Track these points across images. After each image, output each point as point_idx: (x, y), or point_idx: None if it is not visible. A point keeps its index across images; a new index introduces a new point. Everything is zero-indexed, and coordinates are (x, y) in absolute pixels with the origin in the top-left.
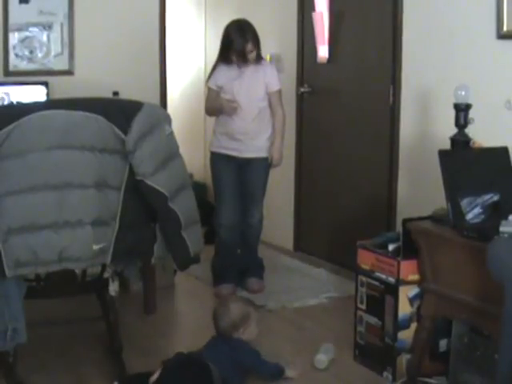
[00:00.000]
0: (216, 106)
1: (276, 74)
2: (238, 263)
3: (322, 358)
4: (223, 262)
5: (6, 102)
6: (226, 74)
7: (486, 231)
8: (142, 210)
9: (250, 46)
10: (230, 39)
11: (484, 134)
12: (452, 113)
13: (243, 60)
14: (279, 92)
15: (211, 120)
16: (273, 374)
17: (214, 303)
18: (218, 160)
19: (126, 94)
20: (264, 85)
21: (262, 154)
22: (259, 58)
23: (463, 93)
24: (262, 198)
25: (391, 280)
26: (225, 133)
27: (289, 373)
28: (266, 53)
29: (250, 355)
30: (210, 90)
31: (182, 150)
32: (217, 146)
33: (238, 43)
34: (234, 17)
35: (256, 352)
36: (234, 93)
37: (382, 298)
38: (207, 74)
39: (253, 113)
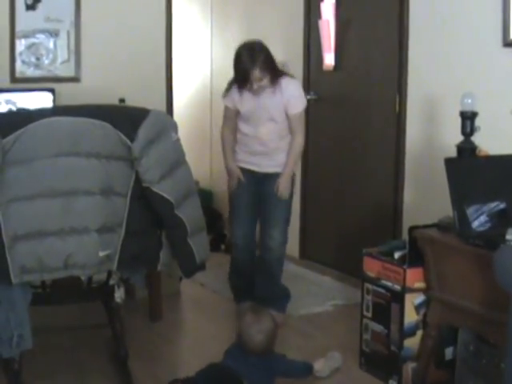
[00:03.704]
0: (226, 161)
1: (297, 94)
2: (253, 288)
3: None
4: (239, 280)
5: (13, 109)
6: (242, 96)
7: (493, 239)
8: (148, 217)
9: (257, 74)
10: (237, 65)
11: (490, 141)
12: (458, 121)
13: (251, 88)
14: (299, 114)
15: (217, 127)
16: (304, 373)
17: (233, 320)
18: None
19: (132, 101)
20: (283, 106)
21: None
22: (275, 80)
23: (469, 101)
24: (283, 217)
25: (397, 288)
26: (244, 151)
27: (317, 366)
28: None
29: (281, 362)
30: (226, 108)
31: (187, 157)
32: (236, 160)
33: (245, 71)
34: (240, 24)
35: (283, 356)
36: (250, 118)
37: (387, 305)
38: (213, 81)
39: (272, 138)
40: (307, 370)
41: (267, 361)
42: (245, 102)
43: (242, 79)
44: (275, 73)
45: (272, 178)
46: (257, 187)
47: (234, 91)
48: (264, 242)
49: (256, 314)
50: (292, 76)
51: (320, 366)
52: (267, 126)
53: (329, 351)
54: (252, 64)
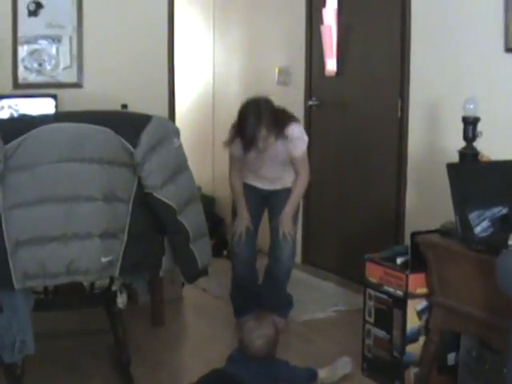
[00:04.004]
0: (238, 208)
1: (299, 135)
2: (258, 299)
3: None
4: (241, 295)
5: (15, 115)
6: (247, 155)
7: (495, 244)
8: (151, 223)
9: (264, 134)
10: (243, 126)
11: (492, 147)
12: (460, 126)
13: (256, 147)
14: (302, 156)
15: (220, 133)
16: (308, 380)
17: (234, 332)
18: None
19: (134, 107)
20: (287, 151)
21: (290, 186)
22: (280, 134)
23: (472, 106)
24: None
25: (399, 293)
26: (250, 176)
27: (322, 374)
28: (274, 66)
29: (284, 369)
30: (232, 156)
31: (190, 163)
32: (244, 178)
33: (252, 136)
34: (243, 30)
35: (286, 362)
36: (254, 164)
37: (390, 311)
38: (215, 87)
39: (277, 173)
40: (311, 377)
41: (269, 367)
42: (248, 159)
43: (248, 142)
44: (281, 128)
45: (279, 192)
46: (262, 202)
47: (238, 144)
48: (274, 254)
49: (257, 320)
50: (292, 117)
51: (325, 374)
52: (270, 166)
53: (331, 357)
54: (259, 127)
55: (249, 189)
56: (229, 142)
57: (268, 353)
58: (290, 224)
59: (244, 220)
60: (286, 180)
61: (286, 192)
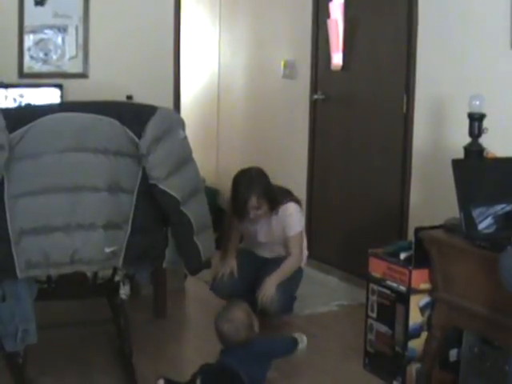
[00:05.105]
0: (226, 252)
1: (294, 217)
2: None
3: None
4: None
5: (21, 104)
6: (242, 223)
7: (499, 241)
8: (155, 214)
9: (253, 202)
10: (234, 193)
11: (498, 144)
12: (466, 122)
13: (247, 218)
14: (297, 236)
15: (224, 125)
16: (289, 347)
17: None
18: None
19: (139, 98)
20: (279, 229)
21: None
22: (273, 210)
23: (478, 102)
24: (283, 289)
25: (402, 289)
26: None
27: (300, 339)
28: (280, 59)
29: (262, 345)
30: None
31: (194, 155)
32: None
33: (240, 199)
34: (249, 22)
35: (265, 338)
36: (252, 236)
37: (392, 306)
38: (221, 79)
39: (274, 248)
40: (291, 343)
41: (250, 348)
42: (244, 227)
43: (239, 208)
44: (274, 203)
45: (275, 259)
46: (258, 264)
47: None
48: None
49: (226, 305)
50: (293, 196)
51: (303, 343)
52: (268, 241)
53: (333, 351)
54: (248, 193)
55: (243, 251)
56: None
57: (241, 336)
58: (273, 290)
59: (229, 264)
60: (281, 250)
61: (279, 260)
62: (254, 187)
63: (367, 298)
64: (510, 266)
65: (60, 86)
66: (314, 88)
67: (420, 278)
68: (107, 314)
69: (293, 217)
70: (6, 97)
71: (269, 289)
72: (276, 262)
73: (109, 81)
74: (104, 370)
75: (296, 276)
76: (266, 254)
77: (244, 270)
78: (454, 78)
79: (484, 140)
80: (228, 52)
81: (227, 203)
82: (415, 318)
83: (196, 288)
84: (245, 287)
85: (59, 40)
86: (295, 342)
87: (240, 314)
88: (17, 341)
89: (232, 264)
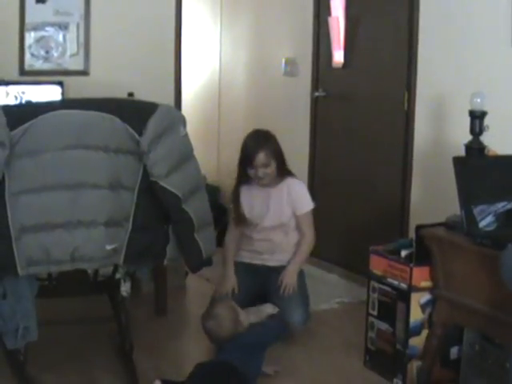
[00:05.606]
0: (225, 268)
1: (304, 193)
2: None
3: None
4: None
5: (22, 101)
6: (249, 198)
7: (500, 239)
8: (156, 212)
9: (262, 158)
10: (243, 150)
11: (499, 141)
12: (467, 120)
13: (256, 176)
14: (309, 214)
15: (225, 122)
16: (279, 330)
17: None
18: (236, 270)
19: (140, 95)
20: (289, 207)
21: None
22: (281, 173)
23: (479, 100)
24: (302, 299)
25: (403, 286)
26: (249, 250)
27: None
28: (281, 57)
29: (251, 335)
30: (233, 220)
31: (195, 152)
32: (239, 256)
33: (249, 153)
34: (250, 19)
35: (252, 329)
36: (257, 219)
37: (393, 304)
38: (222, 76)
39: (279, 237)
40: (280, 326)
41: (239, 341)
42: (253, 202)
43: (247, 163)
44: (282, 164)
45: (278, 269)
46: (261, 283)
47: (242, 196)
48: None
49: (210, 305)
50: (296, 177)
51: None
52: (274, 224)
53: (334, 348)
54: (257, 147)
55: (241, 270)
56: (233, 200)
57: (227, 331)
58: (295, 279)
59: (230, 281)
60: (284, 255)
61: (283, 269)
62: (263, 143)
63: (368, 296)
64: (511, 264)
65: (61, 84)
66: (315, 85)
67: (421, 276)
68: (108, 311)
69: (304, 191)
70: (7, 94)
71: (290, 280)
72: (278, 271)
73: (110, 78)
74: (105, 367)
75: (303, 280)
76: (264, 257)
77: (245, 284)
78: (455, 76)
79: (485, 138)
80: (229, 49)
81: (230, 207)
82: (416, 315)
83: (197, 285)
84: (248, 301)
85: (60, 37)
86: (286, 326)
87: (222, 309)
88: (18, 338)
89: (232, 281)
